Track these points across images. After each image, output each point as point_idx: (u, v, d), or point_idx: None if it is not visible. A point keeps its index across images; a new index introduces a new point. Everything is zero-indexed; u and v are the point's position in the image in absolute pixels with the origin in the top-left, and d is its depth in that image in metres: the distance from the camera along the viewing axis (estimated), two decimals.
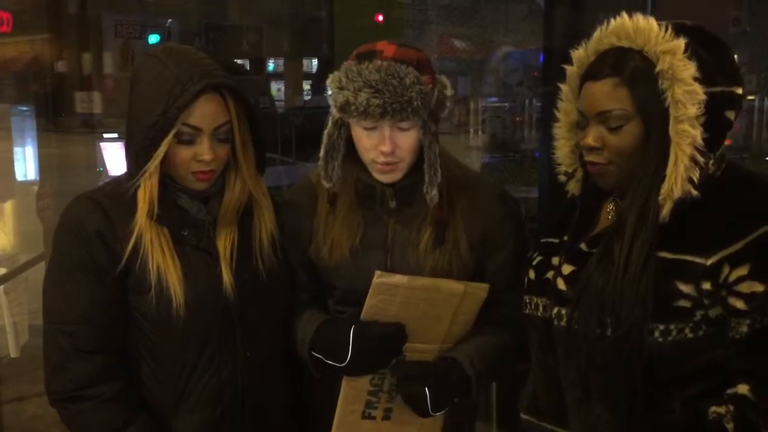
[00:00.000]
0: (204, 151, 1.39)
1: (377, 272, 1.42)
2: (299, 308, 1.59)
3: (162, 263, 1.38)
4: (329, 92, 1.42)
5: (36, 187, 4.61)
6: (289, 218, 1.59)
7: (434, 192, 1.44)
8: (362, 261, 1.50)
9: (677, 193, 1.17)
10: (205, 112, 1.37)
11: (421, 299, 1.43)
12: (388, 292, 1.42)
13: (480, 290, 1.48)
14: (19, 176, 4.73)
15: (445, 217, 1.48)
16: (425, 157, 1.43)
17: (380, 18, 10.41)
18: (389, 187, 1.49)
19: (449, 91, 1.45)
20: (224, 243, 1.46)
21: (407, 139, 1.42)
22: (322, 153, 1.49)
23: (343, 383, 1.47)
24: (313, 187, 1.59)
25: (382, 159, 1.42)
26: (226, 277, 1.44)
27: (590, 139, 1.24)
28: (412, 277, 1.43)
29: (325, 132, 1.48)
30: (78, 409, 1.40)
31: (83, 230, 1.39)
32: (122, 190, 1.42)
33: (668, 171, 1.17)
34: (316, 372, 1.52)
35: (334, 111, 1.42)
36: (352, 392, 1.48)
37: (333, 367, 1.46)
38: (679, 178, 1.16)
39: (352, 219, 1.51)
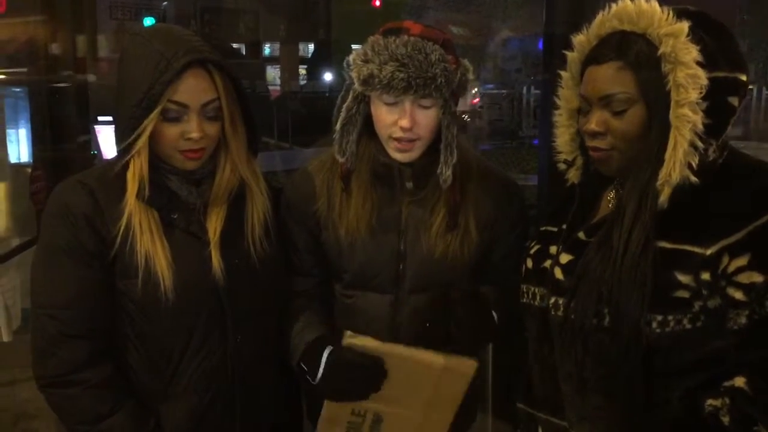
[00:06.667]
0: (192, 128, 1.37)
1: (347, 332, 1.43)
2: (298, 306, 1.58)
3: (150, 247, 1.37)
4: (351, 67, 1.42)
5: (29, 170, 4.58)
6: (292, 204, 1.58)
7: (448, 173, 1.44)
8: (376, 242, 1.50)
9: (675, 178, 1.15)
10: (190, 88, 1.35)
11: (394, 366, 1.41)
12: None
13: (466, 367, 1.44)
14: (13, 158, 4.69)
15: (457, 200, 1.49)
16: (443, 136, 1.44)
17: (378, 3, 10.37)
18: (407, 167, 1.48)
19: (471, 75, 1.46)
20: (214, 227, 1.44)
21: (427, 117, 1.42)
22: (338, 126, 1.48)
23: (325, 402, 1.47)
24: (311, 174, 1.58)
25: (399, 134, 1.42)
26: (216, 261, 1.42)
27: (593, 124, 1.22)
28: (383, 343, 1.42)
29: (344, 106, 1.48)
30: (64, 394, 1.38)
31: (71, 214, 1.37)
32: (112, 173, 1.40)
33: (667, 155, 1.16)
34: (304, 382, 1.52)
35: (356, 85, 1.42)
36: (333, 412, 1.47)
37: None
38: (677, 163, 1.15)
39: (367, 198, 1.51)
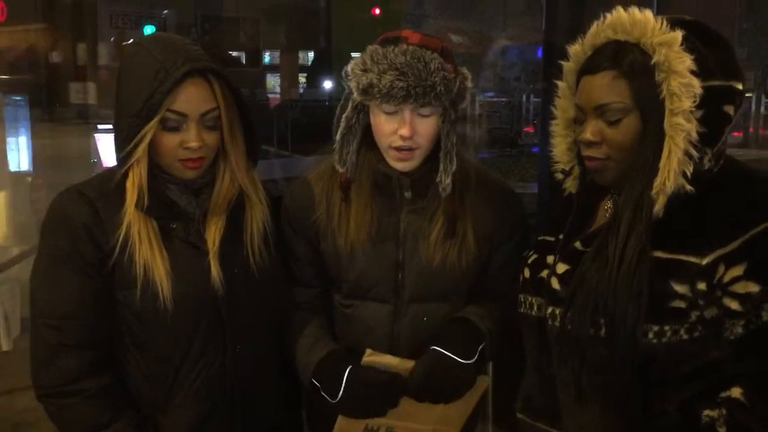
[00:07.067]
0: (191, 137, 1.37)
1: (368, 350, 1.43)
2: (300, 320, 1.57)
3: (149, 257, 1.36)
4: (350, 77, 1.42)
5: (29, 178, 4.58)
6: (291, 214, 1.58)
7: (448, 181, 1.44)
8: (375, 251, 1.50)
9: (670, 187, 1.15)
10: (190, 98, 1.35)
11: None
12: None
13: (478, 382, 1.47)
14: (12, 167, 4.69)
15: (456, 209, 1.49)
16: (442, 145, 1.43)
17: (377, 11, 10.39)
18: (406, 176, 1.48)
19: (470, 83, 1.46)
20: (213, 236, 1.43)
21: (427, 126, 1.42)
22: (338, 136, 1.48)
23: (339, 417, 1.47)
24: (311, 183, 1.58)
25: (399, 143, 1.42)
26: (215, 271, 1.42)
27: (588, 134, 1.22)
28: (402, 360, 1.43)
29: (344, 116, 1.48)
30: (63, 404, 1.38)
31: (70, 224, 1.37)
32: (111, 182, 1.40)
33: (661, 164, 1.15)
34: (314, 396, 1.51)
35: (355, 95, 1.42)
36: (345, 428, 1.47)
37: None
38: (671, 171, 1.14)
39: (367, 208, 1.50)
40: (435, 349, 1.44)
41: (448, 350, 1.43)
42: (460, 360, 1.43)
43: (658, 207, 1.17)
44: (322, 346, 1.52)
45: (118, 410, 1.39)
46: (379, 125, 1.44)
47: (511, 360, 1.51)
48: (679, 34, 1.16)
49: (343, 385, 1.43)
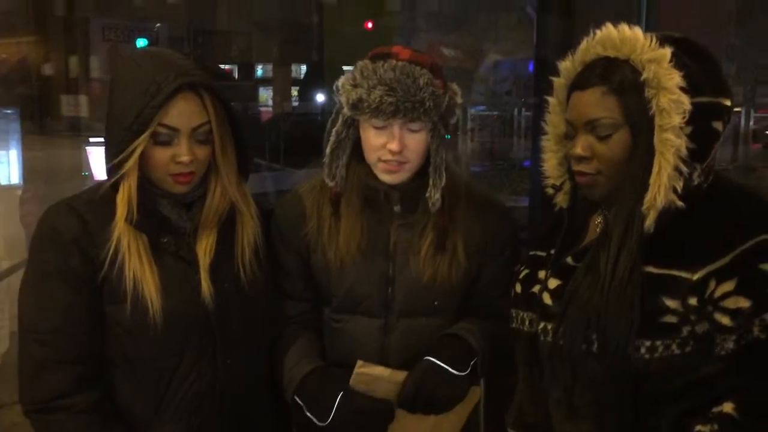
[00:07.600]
0: (182, 152, 1.37)
1: (359, 362, 1.43)
2: (289, 335, 1.57)
3: (139, 271, 1.36)
4: (340, 92, 1.44)
5: (20, 192, 4.56)
6: (281, 227, 1.58)
7: (437, 196, 1.44)
8: (365, 266, 1.50)
9: (660, 203, 1.16)
10: (181, 112, 1.35)
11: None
12: (369, 383, 1.42)
13: (471, 393, 1.47)
14: (2, 180, 4.67)
15: (446, 224, 1.49)
16: (431, 160, 1.44)
17: (370, 25, 10.45)
18: (395, 190, 1.48)
19: (459, 99, 1.47)
20: (204, 251, 1.43)
21: (416, 141, 1.43)
22: (327, 150, 1.49)
23: None
24: (301, 197, 1.58)
25: (388, 157, 1.42)
26: (205, 285, 1.41)
27: (579, 149, 1.23)
28: (394, 372, 1.43)
29: (334, 130, 1.48)
30: (50, 420, 1.36)
31: (60, 238, 1.36)
32: (101, 196, 1.40)
33: (651, 180, 1.16)
34: (298, 413, 1.50)
35: (345, 109, 1.43)
36: None
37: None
38: (662, 187, 1.15)
39: (356, 222, 1.50)
40: (428, 359, 1.44)
41: (441, 361, 1.43)
42: (452, 371, 1.42)
43: (649, 222, 1.17)
44: (306, 363, 1.51)
45: (106, 426, 1.38)
46: (368, 139, 1.44)
47: (503, 374, 1.51)
48: (668, 51, 1.17)
49: (335, 410, 1.42)
